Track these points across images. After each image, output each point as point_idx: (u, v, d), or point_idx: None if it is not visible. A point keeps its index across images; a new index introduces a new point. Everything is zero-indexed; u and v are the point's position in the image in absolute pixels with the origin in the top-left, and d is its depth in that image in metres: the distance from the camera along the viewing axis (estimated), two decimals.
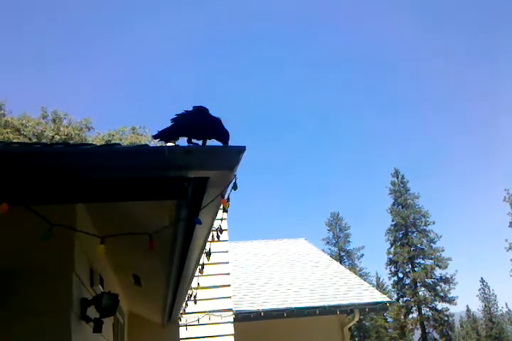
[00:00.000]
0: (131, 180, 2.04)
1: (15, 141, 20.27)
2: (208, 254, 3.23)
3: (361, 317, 8.52)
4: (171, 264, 3.27)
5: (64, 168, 1.94)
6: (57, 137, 23.27)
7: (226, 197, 2.29)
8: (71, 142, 21.26)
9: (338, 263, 10.50)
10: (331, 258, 10.82)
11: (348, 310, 7.77)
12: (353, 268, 42.15)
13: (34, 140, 22.49)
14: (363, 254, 45.79)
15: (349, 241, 45.84)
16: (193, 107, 2.25)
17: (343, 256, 45.25)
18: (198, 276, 6.54)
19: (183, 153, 2.00)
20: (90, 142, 22.70)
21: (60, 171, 1.95)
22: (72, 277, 2.41)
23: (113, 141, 23.01)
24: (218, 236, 2.79)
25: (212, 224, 2.81)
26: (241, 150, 1.99)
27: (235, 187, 2.22)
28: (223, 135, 2.16)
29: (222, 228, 7.54)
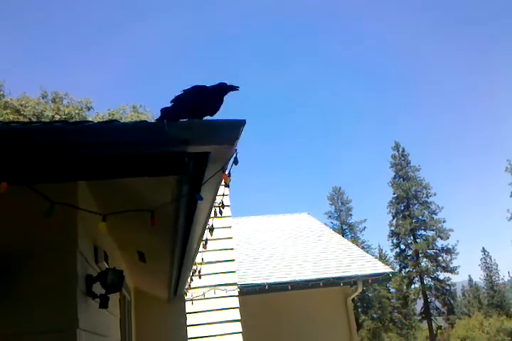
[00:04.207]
0: (131, 156, 2.02)
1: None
2: (211, 230, 3.24)
3: (364, 288, 8.70)
4: (174, 240, 3.28)
5: (63, 145, 1.92)
6: (57, 117, 23.11)
7: (227, 172, 2.28)
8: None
9: (340, 236, 10.59)
10: (333, 232, 10.90)
11: (351, 281, 7.88)
12: (355, 241, 42.59)
13: (34, 120, 22.36)
14: (365, 227, 46.23)
15: (351, 215, 46.20)
16: (192, 87, 2.21)
17: (346, 229, 45.65)
18: (202, 252, 6.62)
19: (183, 128, 1.97)
20: None
21: (59, 149, 1.93)
22: (76, 254, 2.41)
23: None
24: (221, 212, 2.79)
25: (215, 200, 2.80)
26: (241, 124, 1.96)
27: (235, 161, 2.20)
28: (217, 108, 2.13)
29: (225, 204, 7.60)
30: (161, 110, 2.40)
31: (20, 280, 2.28)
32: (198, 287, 6.83)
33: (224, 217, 7.36)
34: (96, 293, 2.75)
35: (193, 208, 2.76)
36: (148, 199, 2.60)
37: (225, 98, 2.23)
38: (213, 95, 2.18)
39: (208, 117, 2.30)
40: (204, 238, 3.70)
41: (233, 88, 2.23)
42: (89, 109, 25.40)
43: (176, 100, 2.32)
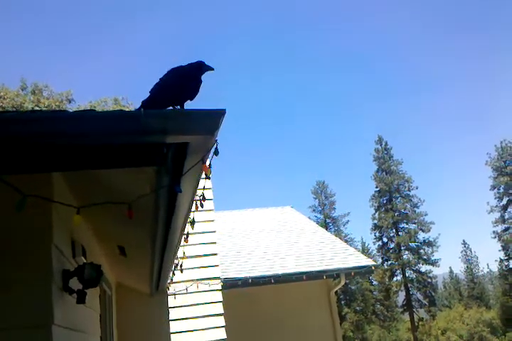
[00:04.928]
0: (107, 147, 1.95)
1: None
2: (192, 223, 3.18)
3: (347, 281, 8.72)
4: (154, 234, 3.22)
5: (36, 135, 1.84)
6: (36, 109, 22.67)
7: (208, 163, 2.22)
8: None
9: (323, 230, 10.61)
10: (316, 225, 10.93)
11: (334, 274, 7.91)
12: (338, 234, 42.89)
13: None
14: (348, 221, 46.59)
15: (334, 209, 46.48)
16: (168, 71, 2.14)
17: (329, 223, 45.92)
18: (185, 245, 6.55)
19: (161, 118, 1.90)
20: None
21: (32, 138, 1.85)
22: (50, 248, 2.33)
23: None
24: (202, 205, 2.73)
25: (195, 192, 2.74)
26: (221, 113, 1.90)
27: (216, 152, 2.14)
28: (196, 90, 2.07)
29: (207, 197, 7.53)
30: (142, 101, 2.33)
31: None
32: (181, 281, 6.77)
33: (207, 210, 7.29)
34: (73, 288, 2.67)
35: (173, 201, 2.69)
36: (126, 192, 2.52)
37: (204, 79, 2.16)
38: (190, 76, 2.11)
39: (188, 102, 2.24)
40: (185, 231, 3.64)
41: (209, 68, 2.16)
42: (70, 102, 25.01)
43: (153, 89, 2.25)
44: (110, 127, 1.88)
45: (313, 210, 46.36)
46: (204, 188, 2.60)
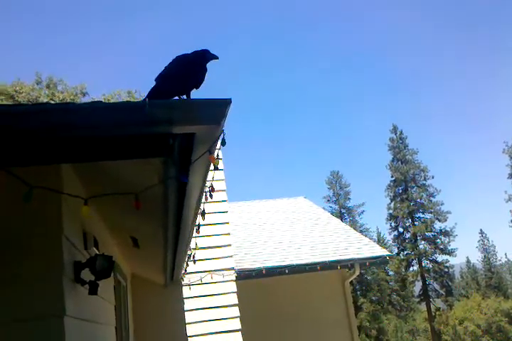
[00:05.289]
0: (112, 138, 1.94)
1: None
2: (203, 214, 3.17)
3: (362, 271, 8.65)
4: (165, 225, 3.22)
5: (43, 127, 1.84)
6: (44, 101, 22.87)
7: (216, 153, 2.19)
8: None
9: (338, 220, 10.56)
10: (331, 215, 10.87)
11: (348, 264, 7.87)
12: (353, 224, 42.75)
13: None
14: (363, 211, 46.34)
15: (349, 199, 46.26)
16: (172, 60, 2.11)
17: (344, 213, 45.77)
18: (198, 237, 6.57)
19: (166, 108, 1.88)
20: None
21: (38, 130, 1.85)
22: (61, 240, 2.34)
23: None
24: (211, 196, 2.72)
25: (205, 183, 2.72)
26: (227, 103, 1.87)
27: (223, 143, 2.12)
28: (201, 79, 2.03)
29: (220, 188, 7.51)
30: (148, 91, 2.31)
31: (4, 268, 2.22)
32: (195, 272, 6.80)
33: (220, 201, 7.30)
34: (85, 279, 2.69)
35: (182, 191, 2.68)
36: (135, 183, 2.51)
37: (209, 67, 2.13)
38: (195, 65, 2.08)
39: (194, 90, 2.21)
40: (196, 223, 3.64)
41: (214, 56, 2.12)
42: (84, 95, 25.18)
43: (159, 77, 2.23)
44: (115, 118, 1.86)
45: (328, 200, 46.26)
46: (213, 179, 2.58)
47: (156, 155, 2.04)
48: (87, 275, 2.71)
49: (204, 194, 2.85)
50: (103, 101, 23.89)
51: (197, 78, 2.11)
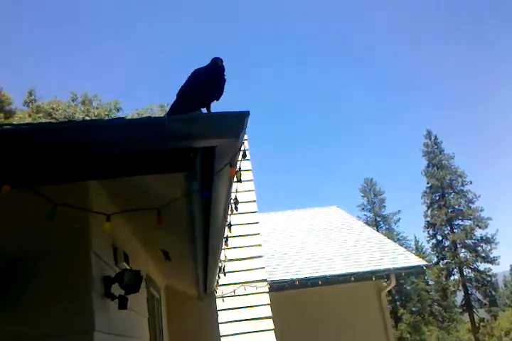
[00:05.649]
0: (134, 154, 1.96)
1: None
2: (230, 226, 3.17)
3: (401, 281, 8.40)
4: (193, 238, 3.23)
5: (65, 144, 1.88)
6: (87, 119, 23.56)
7: (237, 166, 2.19)
8: None
9: (371, 229, 10.36)
10: (364, 224, 10.68)
11: (383, 275, 7.69)
12: (390, 233, 41.89)
13: None
14: (399, 219, 45.33)
15: (385, 206, 45.40)
16: (191, 74, 2.13)
17: (380, 221, 44.94)
18: (230, 248, 6.57)
19: (184, 122, 1.90)
20: None
21: (60, 148, 1.89)
22: (89, 255, 2.38)
23: None
24: (236, 208, 2.71)
25: (229, 195, 2.72)
26: (245, 115, 1.87)
27: (244, 155, 2.12)
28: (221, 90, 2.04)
29: (250, 199, 7.48)
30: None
31: (34, 284, 2.26)
32: (228, 284, 6.80)
33: (250, 212, 7.30)
34: (115, 294, 2.71)
35: (207, 205, 2.69)
36: (160, 197, 2.54)
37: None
38: (213, 77, 2.09)
39: (215, 102, 2.22)
40: (225, 235, 3.63)
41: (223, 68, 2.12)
42: (118, 110, 25.79)
43: (179, 92, 2.25)
44: (136, 134, 1.89)
45: (362, 209, 45.54)
46: (237, 191, 2.58)
47: (178, 169, 2.05)
48: (117, 289, 2.74)
49: (229, 206, 2.85)
50: (137, 115, 24.49)
51: (216, 90, 2.12)
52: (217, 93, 2.14)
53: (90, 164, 1.99)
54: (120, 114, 25.56)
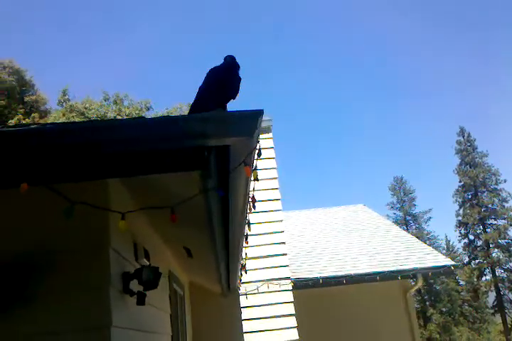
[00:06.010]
0: (149, 153, 1.98)
1: None
2: (249, 225, 3.17)
3: (431, 280, 8.19)
4: (213, 235, 3.25)
5: (85, 143, 1.91)
6: (118, 118, 24.01)
7: (253, 165, 2.19)
8: None
9: (398, 228, 10.20)
10: (391, 223, 10.53)
11: (409, 274, 7.56)
12: (420, 232, 41.16)
13: None
14: (430, 217, 44.46)
15: (415, 205, 44.62)
16: (207, 74, 2.14)
17: (410, 220, 44.21)
18: (253, 246, 6.57)
19: (198, 121, 1.90)
20: None
21: (81, 147, 1.92)
22: (108, 252, 2.41)
23: None
24: (254, 206, 2.70)
25: (247, 194, 2.72)
26: (258, 114, 1.87)
27: (259, 154, 2.11)
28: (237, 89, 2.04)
29: (274, 197, 7.45)
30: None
31: (53, 280, 2.31)
32: (252, 281, 6.82)
33: (274, 210, 7.29)
34: (134, 290, 2.75)
35: (225, 203, 2.70)
36: (178, 195, 2.56)
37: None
38: (228, 76, 2.09)
39: (231, 100, 2.22)
40: (245, 233, 3.64)
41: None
42: (148, 109, 26.16)
43: (197, 93, 2.26)
44: (153, 133, 1.90)
45: (392, 207, 44.88)
46: (254, 190, 2.57)
47: (193, 168, 2.06)
48: (136, 285, 2.78)
49: (247, 204, 2.85)
50: (166, 114, 24.80)
51: (232, 89, 2.12)
52: (232, 92, 2.14)
53: (108, 163, 2.01)
54: (150, 113, 25.92)
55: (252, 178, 2.34)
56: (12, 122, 20.84)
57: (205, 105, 2.24)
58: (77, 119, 22.59)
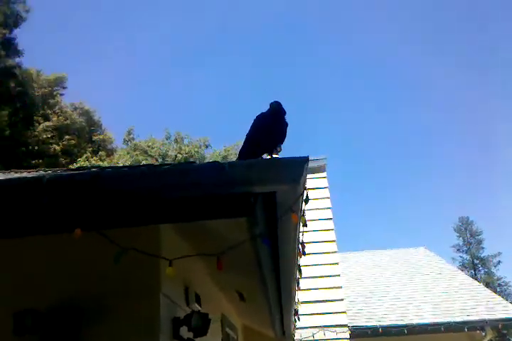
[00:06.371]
0: (196, 199, 2.01)
1: (143, 162, 22.27)
2: (299, 270, 3.10)
3: (504, 331, 7.49)
4: (263, 280, 3.20)
5: (133, 190, 1.97)
6: (179, 156, 24.98)
7: (300, 211, 2.16)
8: (191, 159, 22.76)
9: (464, 274, 9.59)
10: (456, 268, 9.93)
11: (477, 326, 7.01)
12: (489, 277, 38.48)
13: (160, 160, 24.42)
14: (499, 261, 41.60)
15: (483, 248, 42.02)
16: (253, 121, 2.18)
17: (478, 264, 41.56)
18: (308, 290, 6.39)
19: (244, 168, 1.92)
20: (207, 159, 24.15)
21: (130, 194, 1.99)
22: (158, 297, 2.42)
23: (229, 156, 24.17)
24: (304, 253, 2.65)
25: (297, 239, 2.67)
26: (304, 161, 1.86)
27: (306, 200, 2.09)
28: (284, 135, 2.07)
29: (329, 239, 7.27)
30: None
31: (104, 325, 2.34)
32: (307, 327, 6.58)
33: (330, 252, 7.11)
34: (184, 336, 2.72)
35: (274, 249, 2.66)
36: (226, 241, 2.55)
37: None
38: (273, 124, 2.11)
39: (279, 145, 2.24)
40: (296, 277, 3.56)
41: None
42: (206, 147, 27.02)
43: (245, 139, 2.30)
44: (197, 179, 1.94)
45: (458, 250, 42.47)
46: (303, 234, 2.53)
47: (240, 214, 2.06)
48: (185, 332, 2.75)
49: (297, 250, 2.80)
50: (224, 152, 25.41)
51: (278, 135, 2.14)
52: (279, 137, 2.16)
53: (156, 208, 2.06)
54: (208, 151, 26.68)
55: (301, 224, 2.31)
56: (80, 160, 22.18)
57: (252, 151, 2.27)
58: (140, 157, 23.73)
